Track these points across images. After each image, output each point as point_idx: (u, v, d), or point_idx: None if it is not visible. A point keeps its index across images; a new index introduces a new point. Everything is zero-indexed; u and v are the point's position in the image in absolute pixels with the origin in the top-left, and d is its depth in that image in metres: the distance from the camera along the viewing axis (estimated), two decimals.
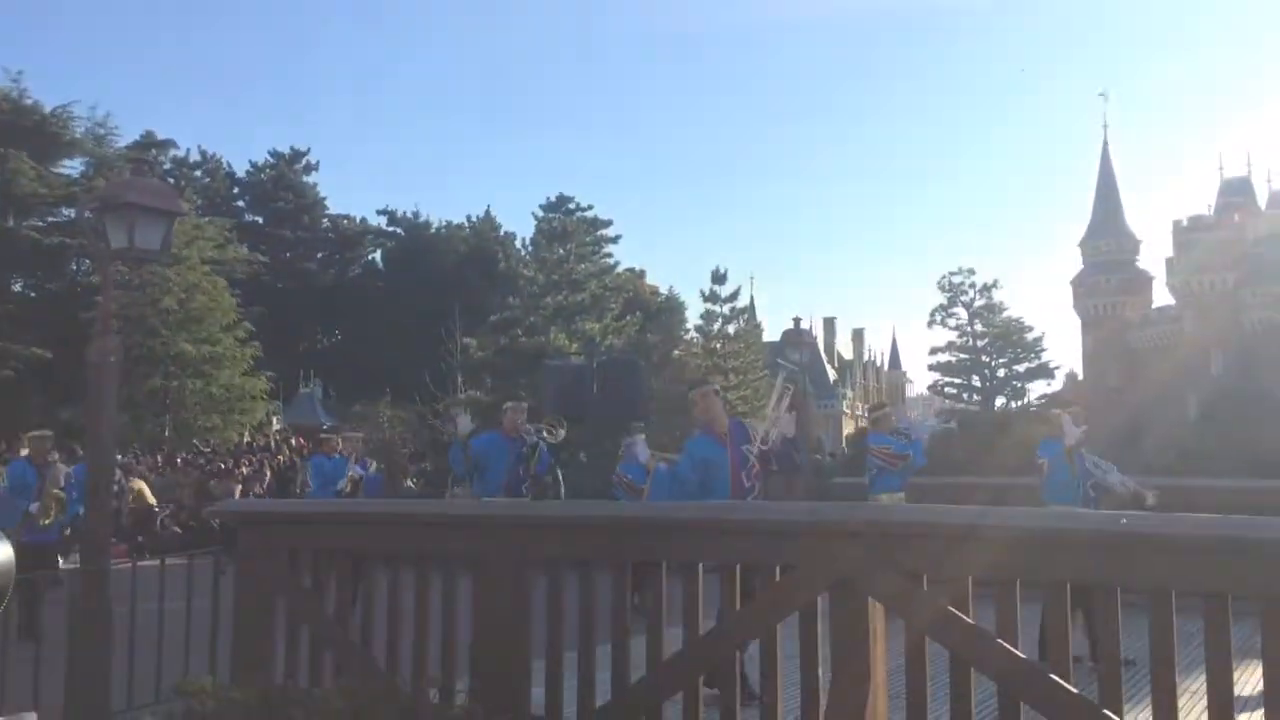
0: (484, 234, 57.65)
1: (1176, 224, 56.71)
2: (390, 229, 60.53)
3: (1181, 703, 4.05)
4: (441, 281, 49.96)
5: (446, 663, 5.00)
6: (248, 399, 38.63)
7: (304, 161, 59.43)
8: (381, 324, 51.36)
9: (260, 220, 57.22)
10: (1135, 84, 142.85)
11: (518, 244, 55.01)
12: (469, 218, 59.86)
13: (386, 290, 54.90)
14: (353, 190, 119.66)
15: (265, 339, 40.55)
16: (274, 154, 58.86)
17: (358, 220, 60.94)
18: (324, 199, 59.77)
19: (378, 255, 61.18)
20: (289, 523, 5.97)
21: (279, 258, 54.39)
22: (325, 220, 59.95)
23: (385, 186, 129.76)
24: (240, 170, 58.76)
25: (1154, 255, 60.37)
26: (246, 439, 35.65)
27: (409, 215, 60.16)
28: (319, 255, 59.45)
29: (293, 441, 30.30)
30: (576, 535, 4.95)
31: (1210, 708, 3.52)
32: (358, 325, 53.83)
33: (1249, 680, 3.75)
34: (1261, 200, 53.52)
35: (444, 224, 59.77)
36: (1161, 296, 58.08)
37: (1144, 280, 59.64)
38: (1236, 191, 54.26)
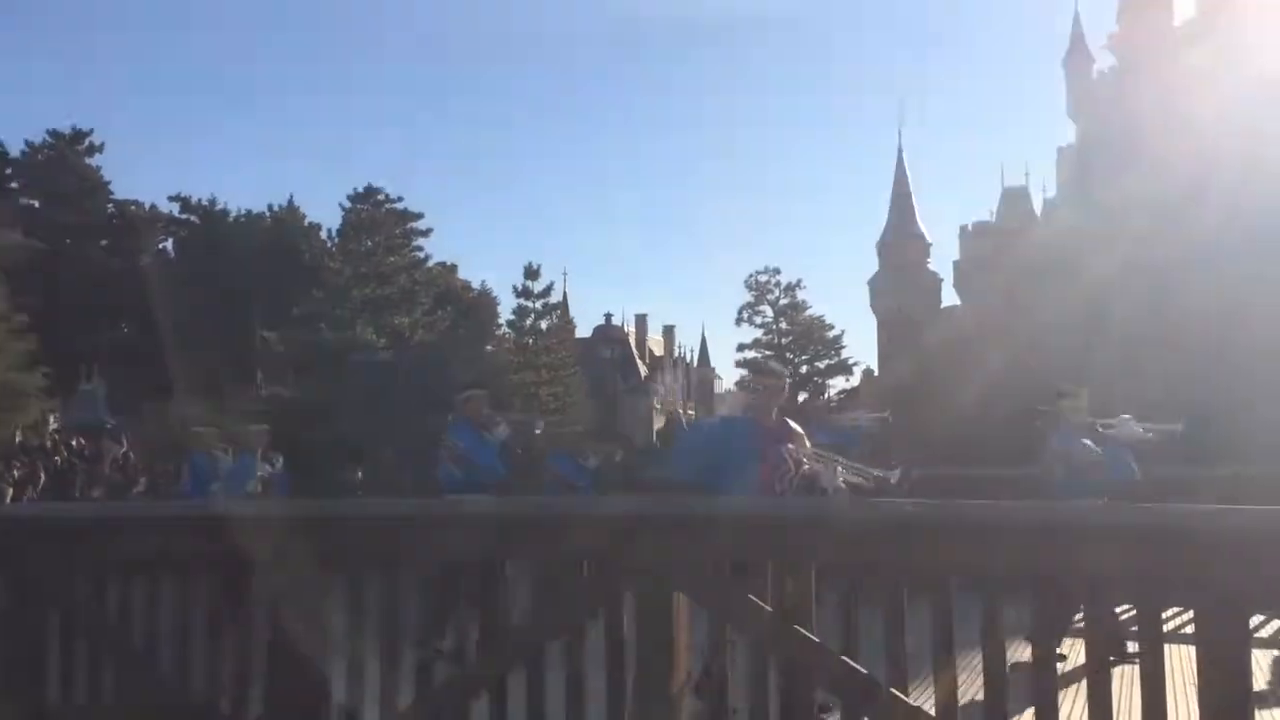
0: (287, 224, 55.51)
1: (963, 229, 60.37)
2: (183, 216, 57.44)
3: (963, 678, 4.31)
4: (240, 273, 47.80)
5: (241, 670, 4.79)
6: (20, 396, 35.82)
7: (87, 142, 55.62)
8: (174, 317, 48.65)
9: (36, 204, 53.23)
10: (929, 93, 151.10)
11: (323, 235, 53.33)
12: (270, 207, 57.54)
13: (179, 281, 52.03)
14: (142, 175, 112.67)
15: (42, 332, 37.71)
16: (53, 133, 54.83)
17: (147, 206, 57.51)
18: (108, 183, 56.14)
19: (169, 244, 57.95)
20: (66, 528, 5.57)
21: (58, 245, 50.72)
22: (110, 205, 56.30)
23: (178, 172, 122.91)
24: (15, 150, 54.51)
25: (943, 258, 64.04)
26: (19, 439, 33.06)
27: (204, 202, 57.26)
28: (103, 243, 55.77)
29: (72, 442, 28.30)
30: (374, 534, 4.82)
31: (986, 683, 3.75)
32: (147, 318, 50.80)
33: (1020, 656, 4.00)
34: (1038, 207, 57.58)
35: (243, 212, 57.22)
36: (950, 297, 61.70)
37: (934, 282, 63.14)
38: (1016, 199, 58.21)
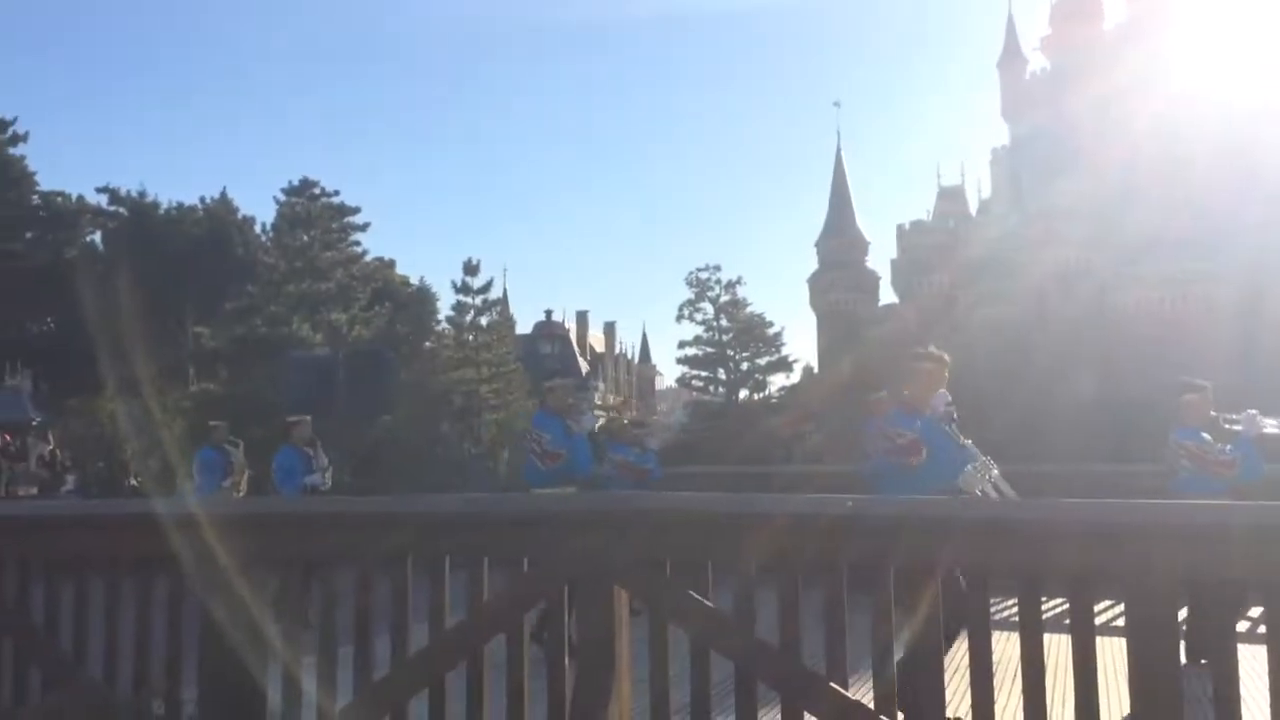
0: (219, 217, 54.50)
1: (900, 228, 61.17)
2: (112, 208, 56.11)
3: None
4: (172, 266, 46.81)
5: (172, 671, 4.69)
6: None
7: (10, 132, 54.07)
8: (102, 311, 47.51)
9: None
10: (867, 94, 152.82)
11: (257, 229, 52.40)
12: (202, 199, 56.47)
13: (108, 274, 50.81)
14: (68, 166, 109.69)
15: None
16: None
17: (74, 198, 56.07)
18: (34, 173, 54.63)
19: (98, 236, 56.57)
20: None
21: None
22: (35, 196, 54.80)
23: (107, 163, 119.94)
24: None
25: (881, 256, 64.72)
26: None
27: (134, 194, 55.98)
28: (28, 235, 54.28)
29: None
30: (312, 532, 4.75)
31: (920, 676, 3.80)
32: (74, 312, 49.52)
33: (958, 649, 4.07)
34: (973, 207, 58.55)
35: (174, 205, 56.06)
36: (888, 295, 62.46)
37: (872, 280, 63.89)
38: (951, 198, 59.11)
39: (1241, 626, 5.76)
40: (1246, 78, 45.11)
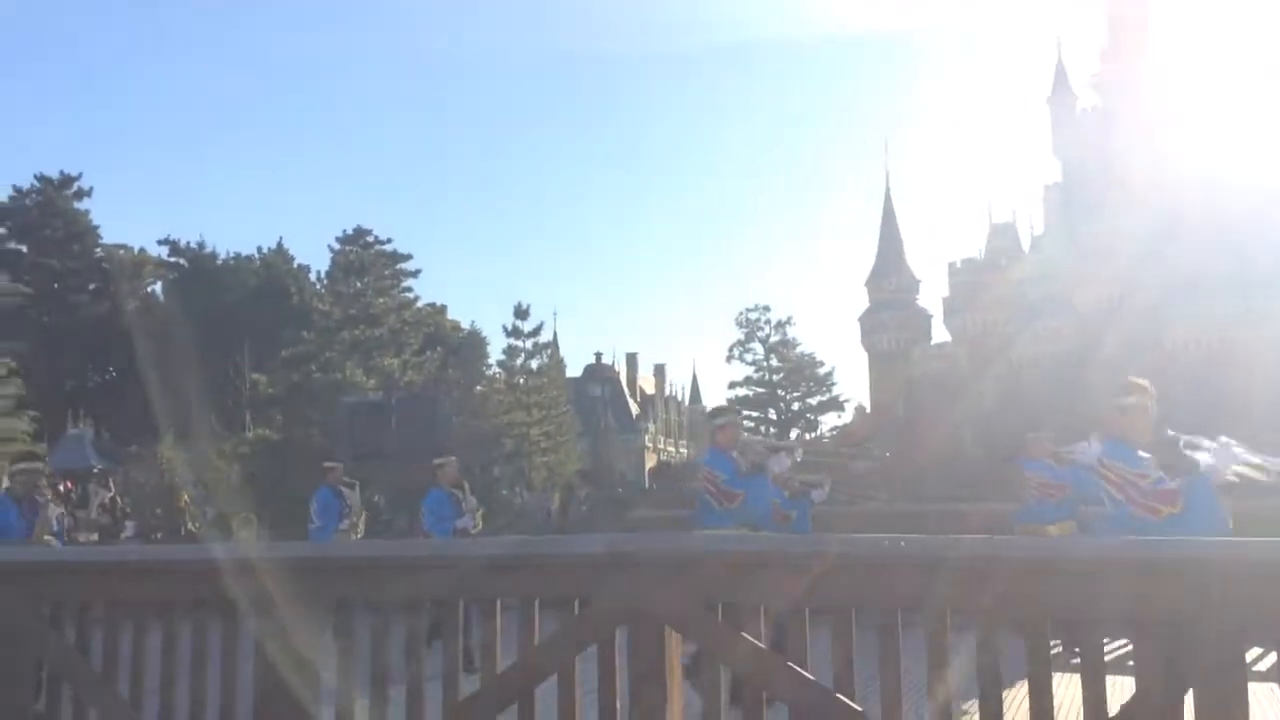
0: (275, 266, 55.64)
1: (951, 265, 60.64)
2: (172, 259, 57.54)
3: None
4: (229, 315, 47.83)
5: (226, 715, 4.72)
6: (7, 441, 35.61)
7: (75, 187, 55.77)
8: (161, 360, 48.56)
9: (24, 249, 53.22)
10: (914, 130, 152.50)
11: (312, 277, 53.37)
12: (259, 249, 57.74)
13: (167, 323, 51.98)
14: (130, 219, 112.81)
15: (29, 377, 37.57)
16: (40, 178, 54.97)
17: (135, 250, 57.57)
18: (96, 227, 56.27)
19: (158, 287, 57.97)
20: (49, 572, 5.50)
21: (45, 289, 50.67)
22: (98, 250, 56.37)
23: (166, 215, 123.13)
24: (2, 195, 54.61)
25: (932, 294, 64.14)
26: (5, 485, 32.83)
27: (193, 245, 57.37)
28: (91, 287, 55.78)
29: (60, 487, 28.12)
30: (365, 575, 4.77)
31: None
32: (134, 361, 50.63)
33: (1020, 694, 3.97)
34: (1025, 244, 57.97)
35: (232, 255, 57.39)
36: (940, 333, 61.88)
37: (924, 318, 63.35)
38: (1003, 236, 58.54)
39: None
40: None
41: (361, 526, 12.41)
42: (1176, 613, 3.42)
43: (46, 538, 8.67)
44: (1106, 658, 3.73)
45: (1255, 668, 6.21)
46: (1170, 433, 5.55)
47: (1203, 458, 5.16)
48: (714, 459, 7.30)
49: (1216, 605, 3.35)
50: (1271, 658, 7.33)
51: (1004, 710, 3.71)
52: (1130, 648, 3.69)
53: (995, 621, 3.72)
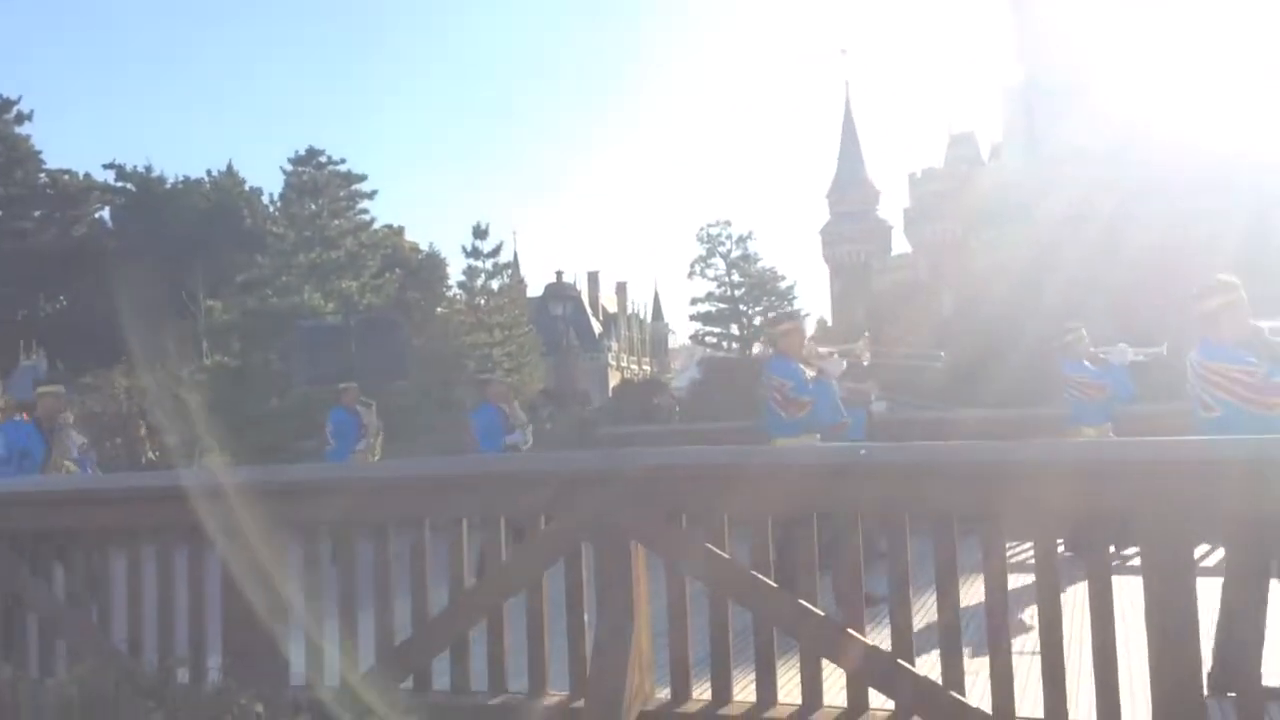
0: (226, 189, 54.41)
1: (911, 176, 60.65)
2: (119, 184, 56.06)
3: (917, 616, 4.39)
4: (180, 240, 46.85)
5: (196, 640, 4.74)
6: None
7: (14, 111, 53.95)
8: (113, 287, 47.60)
9: None
10: (873, 39, 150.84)
11: (265, 200, 52.33)
12: (209, 172, 56.32)
13: (118, 251, 50.90)
14: (73, 143, 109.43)
15: None
16: None
17: (81, 175, 56.04)
18: (39, 152, 54.60)
19: (106, 213, 56.62)
20: (11, 503, 5.45)
21: None
22: (43, 175, 54.81)
23: (112, 140, 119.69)
24: None
25: (893, 205, 64.29)
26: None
27: (140, 170, 55.91)
28: (35, 214, 54.34)
29: (16, 418, 27.70)
30: (329, 498, 4.77)
31: (940, 618, 3.82)
32: (86, 290, 49.69)
33: (974, 591, 4.07)
34: (985, 153, 57.97)
35: (181, 179, 55.96)
36: (901, 244, 62.10)
37: (884, 229, 63.51)
38: (963, 145, 58.51)
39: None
40: (1261, 17, 44.43)
41: (379, 448, 12.18)
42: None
43: (66, 463, 8.40)
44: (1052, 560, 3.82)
45: None
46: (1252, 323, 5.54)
47: None
48: (780, 366, 7.01)
49: None
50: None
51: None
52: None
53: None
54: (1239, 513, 3.53)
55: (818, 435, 6.94)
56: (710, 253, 54.27)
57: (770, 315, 54.32)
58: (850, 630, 3.88)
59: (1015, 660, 3.73)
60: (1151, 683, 3.44)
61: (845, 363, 7.37)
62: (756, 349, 54.24)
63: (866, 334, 8.01)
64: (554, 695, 4.34)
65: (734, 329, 54.73)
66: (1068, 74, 47.90)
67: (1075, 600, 4.24)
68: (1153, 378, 9.10)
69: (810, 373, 6.99)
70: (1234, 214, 37.84)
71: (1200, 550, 4.78)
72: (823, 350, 7.32)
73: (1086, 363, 8.54)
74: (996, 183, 49.49)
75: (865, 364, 7.96)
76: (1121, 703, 3.54)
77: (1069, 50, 49.94)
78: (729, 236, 54.28)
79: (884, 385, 9.51)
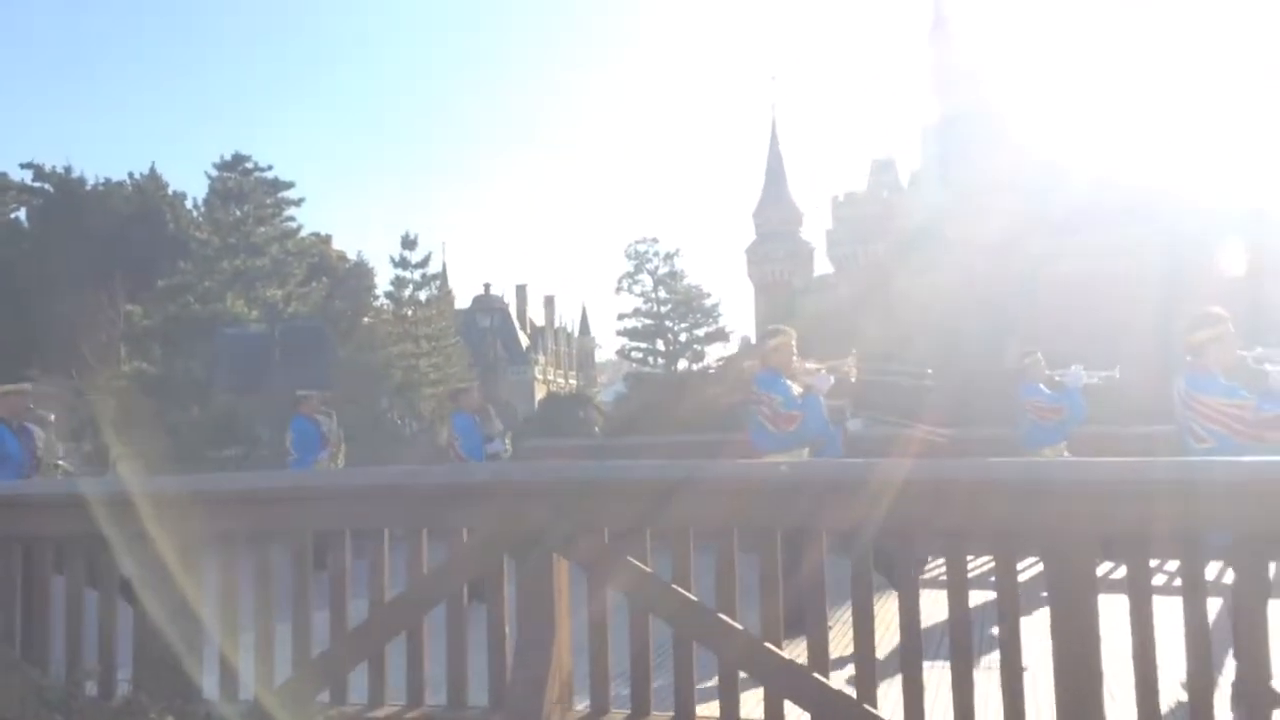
0: (149, 193, 53.18)
1: (834, 199, 61.67)
2: (37, 184, 54.48)
3: (833, 632, 4.48)
4: (100, 244, 45.57)
5: (105, 653, 4.64)
6: None
7: None
8: (27, 290, 46.17)
9: None
10: (800, 66, 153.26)
11: (189, 205, 51.27)
12: (131, 174, 55.04)
13: (33, 253, 49.37)
14: None
15: None
16: None
17: None
18: None
19: (22, 214, 54.94)
20: None
21: None
22: None
23: (30, 139, 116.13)
24: None
25: (816, 227, 65.27)
26: None
27: (59, 170, 54.40)
28: None
29: None
30: (246, 509, 4.71)
31: (855, 634, 3.91)
32: None
33: (888, 607, 4.17)
34: (904, 179, 59.13)
35: (102, 181, 54.57)
36: (823, 265, 63.01)
37: (807, 250, 64.43)
38: (884, 170, 59.69)
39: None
40: (1175, 50, 46.08)
41: (342, 457, 11.88)
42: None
43: (60, 463, 8.04)
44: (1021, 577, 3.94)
45: None
46: (1047, 371, 6.17)
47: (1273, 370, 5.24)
48: (769, 381, 6.97)
49: None
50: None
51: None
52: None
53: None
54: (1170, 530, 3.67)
55: (806, 450, 6.94)
56: (638, 269, 54.52)
57: (702, 333, 54.87)
58: (768, 645, 3.94)
59: (933, 675, 3.83)
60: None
61: (833, 378, 7.35)
62: (681, 365, 54.55)
63: (854, 351, 7.88)
64: (473, 708, 4.33)
65: (660, 345, 54.97)
66: (984, 107, 49.18)
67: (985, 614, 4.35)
68: (1105, 399, 9.33)
69: (798, 388, 6.99)
70: (1155, 246, 39.09)
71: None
72: (810, 365, 7.28)
73: (1042, 386, 8.78)
74: (916, 209, 50.51)
75: (853, 380, 7.89)
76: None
77: (985, 84, 51.28)
78: (656, 254, 54.64)
79: (873, 404, 9.58)
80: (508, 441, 10.12)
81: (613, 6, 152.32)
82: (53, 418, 8.61)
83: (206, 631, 4.53)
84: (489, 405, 10.83)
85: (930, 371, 8.46)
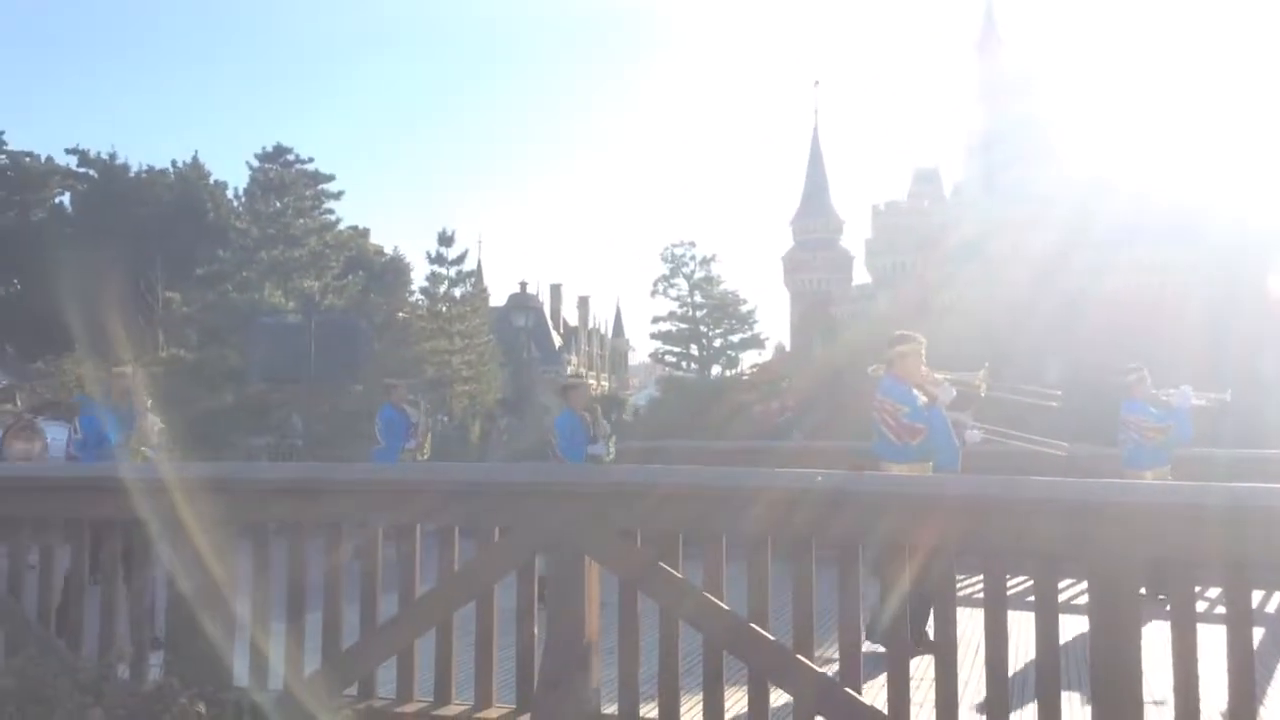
0: (191, 181, 53.75)
1: (875, 208, 61.27)
2: (81, 170, 55.22)
3: (867, 645, 4.42)
4: (142, 230, 46.15)
5: (138, 636, 4.67)
6: None
7: None
8: (70, 274, 46.66)
9: None
10: (843, 73, 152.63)
11: (229, 195, 51.78)
12: (174, 163, 55.65)
13: (76, 237, 50.00)
14: (37, 126, 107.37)
15: None
16: None
17: (42, 159, 55.16)
18: (1, 133, 53.73)
19: (66, 198, 55.73)
20: None
21: None
22: (3, 156, 53.90)
23: (76, 124, 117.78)
24: None
25: (855, 236, 64.86)
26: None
27: (104, 156, 55.11)
28: None
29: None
30: (281, 499, 4.72)
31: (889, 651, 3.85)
32: (41, 274, 48.65)
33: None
34: (947, 189, 58.72)
35: (145, 168, 55.24)
36: (861, 275, 62.66)
37: (846, 259, 64.09)
38: (926, 180, 59.25)
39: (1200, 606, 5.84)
40: (1224, 67, 45.61)
41: (428, 446, 11.86)
42: None
43: (144, 450, 7.89)
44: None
45: None
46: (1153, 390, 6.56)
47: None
48: (894, 389, 6.68)
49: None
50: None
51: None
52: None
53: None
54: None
55: (930, 464, 6.60)
56: (674, 272, 54.36)
57: (737, 339, 54.62)
58: (800, 657, 3.90)
59: (966, 694, 3.77)
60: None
61: (955, 391, 6.93)
62: (715, 370, 54.41)
63: (987, 364, 7.42)
64: (500, 708, 4.32)
65: (694, 349, 54.82)
66: (1031, 120, 48.73)
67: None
68: (1212, 422, 9.10)
69: (923, 398, 6.71)
70: (1203, 264, 38.56)
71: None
72: (939, 376, 6.92)
73: (1149, 405, 8.48)
74: (959, 220, 50.17)
75: (982, 395, 7.37)
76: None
77: (1033, 96, 50.82)
78: (693, 257, 54.43)
79: (989, 417, 9.08)
80: (611, 445, 9.48)
81: (657, 8, 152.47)
82: (150, 402, 8.39)
83: (239, 620, 4.55)
84: (597, 404, 10.35)
85: (1059, 393, 8.15)
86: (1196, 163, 43.17)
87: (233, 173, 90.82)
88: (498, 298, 61.97)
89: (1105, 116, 46.42)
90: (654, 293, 54.87)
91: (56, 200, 55.58)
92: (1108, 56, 48.10)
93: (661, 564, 4.08)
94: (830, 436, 15.35)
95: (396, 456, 10.86)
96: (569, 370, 76.15)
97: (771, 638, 3.95)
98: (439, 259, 42.61)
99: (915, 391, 6.69)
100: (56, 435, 9.92)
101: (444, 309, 42.26)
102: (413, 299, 47.38)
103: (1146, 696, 3.45)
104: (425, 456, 11.49)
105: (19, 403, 10.98)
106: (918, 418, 6.56)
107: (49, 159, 55.27)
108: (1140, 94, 46.29)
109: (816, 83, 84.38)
